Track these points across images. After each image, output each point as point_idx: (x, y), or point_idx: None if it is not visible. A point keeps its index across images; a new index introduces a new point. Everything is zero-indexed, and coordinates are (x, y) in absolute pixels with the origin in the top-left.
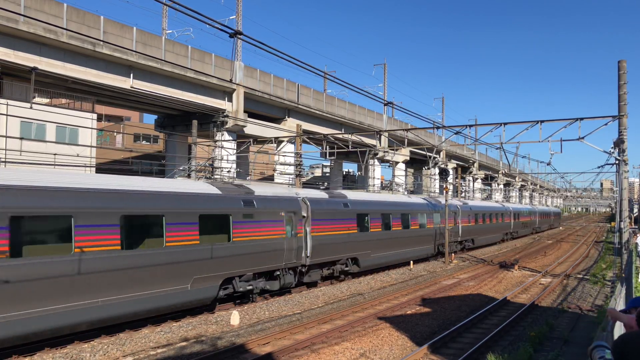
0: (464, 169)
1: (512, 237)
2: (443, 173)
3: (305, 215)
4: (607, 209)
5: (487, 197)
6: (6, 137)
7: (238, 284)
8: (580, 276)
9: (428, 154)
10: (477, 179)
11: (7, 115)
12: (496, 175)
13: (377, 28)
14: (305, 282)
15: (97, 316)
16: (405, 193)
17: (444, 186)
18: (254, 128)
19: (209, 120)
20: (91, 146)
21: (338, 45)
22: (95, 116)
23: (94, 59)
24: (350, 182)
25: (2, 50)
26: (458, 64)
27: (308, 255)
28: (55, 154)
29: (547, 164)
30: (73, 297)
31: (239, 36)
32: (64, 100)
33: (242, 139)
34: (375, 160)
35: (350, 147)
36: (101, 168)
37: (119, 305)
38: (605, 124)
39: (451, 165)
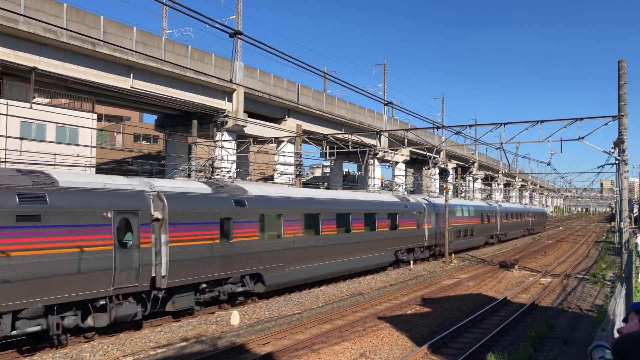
0: (464, 169)
1: (432, 254)
2: (443, 173)
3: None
4: (607, 209)
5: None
6: (6, 137)
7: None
8: (580, 276)
9: (428, 154)
10: (477, 179)
11: (7, 115)
12: (496, 175)
13: (377, 28)
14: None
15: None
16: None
17: (444, 186)
18: (254, 128)
19: (209, 120)
20: (91, 146)
21: (338, 45)
22: (95, 116)
23: (94, 59)
24: (350, 182)
25: (2, 50)
26: (458, 64)
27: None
28: (55, 154)
29: (547, 164)
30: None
31: (239, 36)
32: (64, 100)
33: (242, 139)
34: (375, 160)
35: (350, 147)
36: (101, 168)
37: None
38: (605, 124)
39: (451, 165)
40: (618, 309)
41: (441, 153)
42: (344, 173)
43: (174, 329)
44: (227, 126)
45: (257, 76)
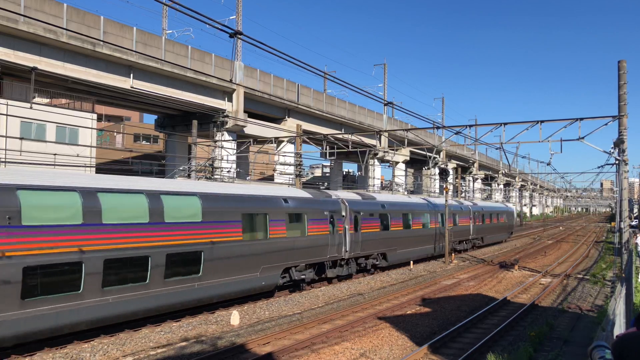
0: (464, 169)
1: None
2: (443, 173)
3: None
4: (607, 209)
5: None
6: (6, 137)
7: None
8: (580, 276)
9: (428, 154)
10: (477, 179)
11: (7, 115)
12: (496, 175)
13: (377, 28)
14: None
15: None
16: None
17: (444, 186)
18: (254, 128)
19: (209, 120)
20: (91, 146)
21: (338, 45)
22: (95, 116)
23: (94, 59)
24: (350, 182)
25: (2, 50)
26: (458, 64)
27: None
28: (55, 154)
29: (547, 164)
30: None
31: (239, 36)
32: (64, 100)
33: (242, 139)
34: (375, 160)
35: (350, 147)
36: (101, 168)
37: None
38: (605, 124)
39: (451, 165)
40: (618, 309)
41: (441, 153)
42: (344, 173)
43: (174, 329)
44: (227, 126)
45: (257, 76)
